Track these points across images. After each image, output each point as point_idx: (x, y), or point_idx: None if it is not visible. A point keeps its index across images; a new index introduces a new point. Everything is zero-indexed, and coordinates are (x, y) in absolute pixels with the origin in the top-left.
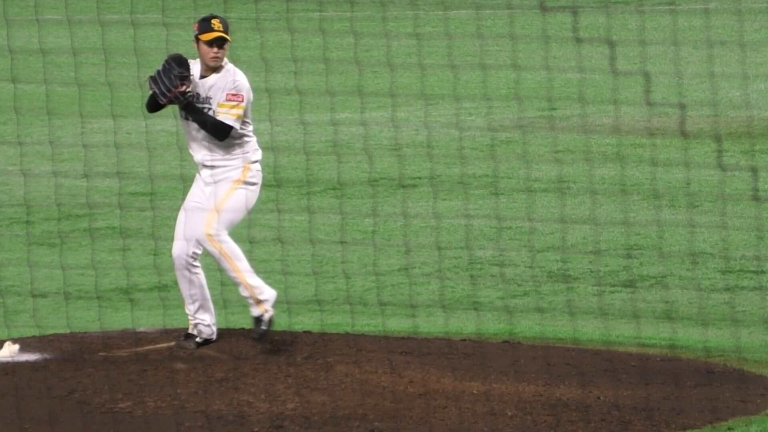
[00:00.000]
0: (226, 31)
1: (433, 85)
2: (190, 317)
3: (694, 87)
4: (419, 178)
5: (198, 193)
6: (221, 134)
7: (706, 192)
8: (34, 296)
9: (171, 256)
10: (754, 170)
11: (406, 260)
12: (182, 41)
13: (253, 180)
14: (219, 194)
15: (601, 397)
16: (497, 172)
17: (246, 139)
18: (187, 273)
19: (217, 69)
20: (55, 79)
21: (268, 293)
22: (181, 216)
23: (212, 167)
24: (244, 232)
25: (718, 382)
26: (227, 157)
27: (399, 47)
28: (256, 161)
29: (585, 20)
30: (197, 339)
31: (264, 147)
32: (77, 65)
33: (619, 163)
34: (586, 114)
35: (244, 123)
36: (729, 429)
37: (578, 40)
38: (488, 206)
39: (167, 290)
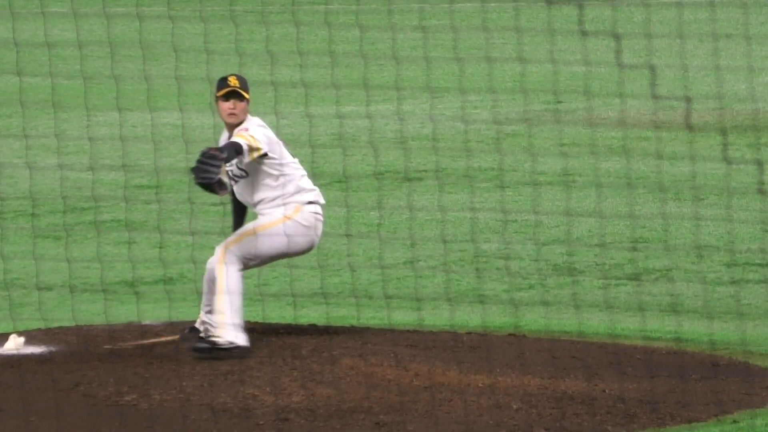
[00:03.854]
0: (243, 87)
1: (439, 78)
2: (202, 314)
3: (699, 80)
4: (425, 171)
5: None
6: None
7: (712, 185)
8: (39, 289)
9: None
10: (759, 163)
11: (411, 253)
12: (188, 34)
13: (303, 221)
14: (260, 221)
15: (607, 390)
16: (503, 165)
17: (283, 180)
18: (213, 284)
19: (239, 126)
20: (61, 72)
21: (240, 338)
22: None
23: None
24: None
25: (723, 375)
26: (269, 201)
27: (404, 40)
28: (310, 202)
29: (591, 13)
30: (201, 335)
31: None
32: (83, 58)
33: (624, 156)
34: (592, 107)
35: (280, 165)
36: (734, 422)
37: (584, 33)
38: (494, 199)
39: (173, 283)
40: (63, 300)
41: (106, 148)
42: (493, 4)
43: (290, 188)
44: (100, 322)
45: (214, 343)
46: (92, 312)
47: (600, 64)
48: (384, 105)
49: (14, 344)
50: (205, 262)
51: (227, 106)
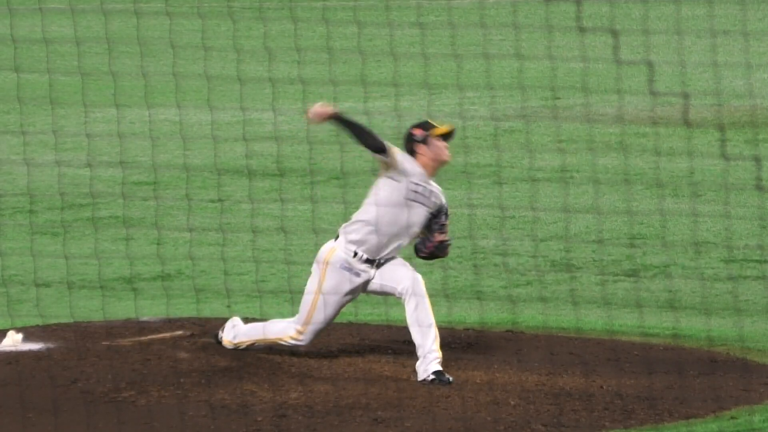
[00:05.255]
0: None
1: (437, 74)
2: (234, 337)
3: (697, 76)
4: None
5: (347, 287)
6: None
7: (710, 181)
8: (37, 285)
9: (296, 333)
10: (757, 159)
11: (408, 249)
12: (185, 30)
13: None
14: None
15: (604, 387)
16: (500, 162)
17: None
18: (275, 346)
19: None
20: (59, 69)
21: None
22: (320, 302)
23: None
24: (247, 221)
25: (721, 372)
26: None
27: (402, 36)
28: None
29: (588, 9)
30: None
31: (267, 136)
32: (80, 54)
33: (622, 152)
34: (590, 103)
35: None
36: (732, 418)
37: (582, 30)
38: (491, 196)
39: (170, 280)
40: (61, 296)
41: (103, 144)
42: (490, 1)
43: None
44: (98, 318)
45: (442, 380)
46: (90, 308)
47: (598, 61)
48: (382, 101)
49: (12, 341)
50: (202, 259)
51: (445, 146)
